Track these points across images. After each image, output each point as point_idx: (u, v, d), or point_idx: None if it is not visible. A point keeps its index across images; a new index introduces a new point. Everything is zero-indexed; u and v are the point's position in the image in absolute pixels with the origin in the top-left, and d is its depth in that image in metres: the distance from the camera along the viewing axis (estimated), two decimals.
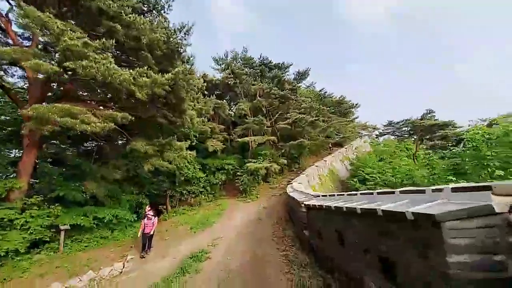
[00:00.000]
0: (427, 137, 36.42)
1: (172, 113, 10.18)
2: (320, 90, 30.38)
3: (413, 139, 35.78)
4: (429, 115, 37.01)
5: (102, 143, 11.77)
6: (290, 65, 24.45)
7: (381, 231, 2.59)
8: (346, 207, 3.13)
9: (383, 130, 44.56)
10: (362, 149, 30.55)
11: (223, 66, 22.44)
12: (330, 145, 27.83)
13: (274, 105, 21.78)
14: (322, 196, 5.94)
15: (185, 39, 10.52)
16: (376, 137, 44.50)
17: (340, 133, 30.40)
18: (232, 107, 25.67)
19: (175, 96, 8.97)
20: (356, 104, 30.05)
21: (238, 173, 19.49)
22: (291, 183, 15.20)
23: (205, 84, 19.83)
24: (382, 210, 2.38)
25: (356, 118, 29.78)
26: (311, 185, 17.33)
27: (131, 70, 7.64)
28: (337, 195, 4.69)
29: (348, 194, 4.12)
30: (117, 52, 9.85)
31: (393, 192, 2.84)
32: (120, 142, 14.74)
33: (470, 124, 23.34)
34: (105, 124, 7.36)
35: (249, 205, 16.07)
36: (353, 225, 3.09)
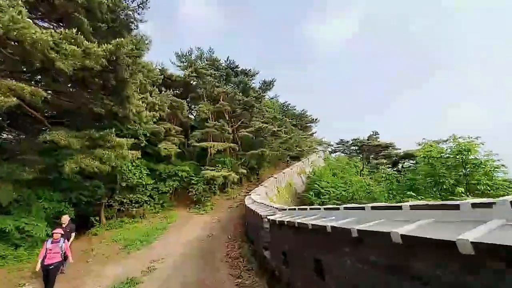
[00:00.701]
0: (372, 156, 40.43)
1: (112, 100, 8.19)
2: (284, 103, 30.98)
3: (360, 157, 39.18)
4: (374, 136, 41.39)
5: (8, 133, 8.90)
6: (257, 73, 24.31)
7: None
8: (337, 227, 2.21)
9: (335, 147, 47.92)
10: (316, 164, 32.06)
11: (185, 63, 20.82)
12: (288, 158, 28.18)
13: (237, 112, 20.90)
14: (289, 209, 5.03)
15: (138, 12, 8.85)
16: (329, 154, 47.54)
17: (298, 147, 31.25)
18: (192, 110, 23.87)
19: (116, 77, 7.15)
20: (316, 119, 31.57)
21: (192, 181, 17.67)
22: (250, 195, 14.24)
23: (163, 78, 17.94)
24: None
25: (314, 133, 31.10)
26: (269, 197, 16.70)
27: (52, 31, 5.72)
28: (310, 208, 3.82)
29: (325, 209, 3.25)
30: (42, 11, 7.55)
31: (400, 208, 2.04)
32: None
33: (420, 142, 26.39)
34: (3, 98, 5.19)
35: (202, 217, 14.41)
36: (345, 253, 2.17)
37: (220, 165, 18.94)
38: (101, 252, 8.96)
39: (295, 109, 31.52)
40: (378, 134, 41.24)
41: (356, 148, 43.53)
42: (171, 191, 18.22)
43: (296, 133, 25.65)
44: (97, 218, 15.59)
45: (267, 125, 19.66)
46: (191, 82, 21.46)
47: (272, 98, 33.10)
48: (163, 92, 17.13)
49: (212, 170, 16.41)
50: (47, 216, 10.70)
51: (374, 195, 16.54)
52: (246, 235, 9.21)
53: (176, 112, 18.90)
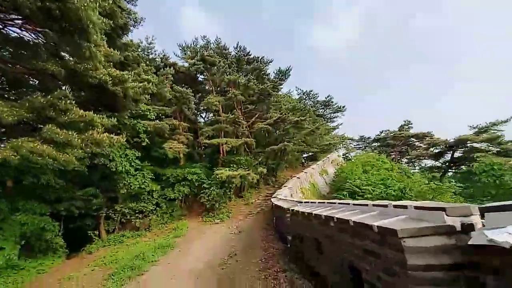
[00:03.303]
0: (403, 149, 36.08)
1: (68, 47, 5.93)
2: (305, 91, 28.06)
3: (384, 152, 34.90)
4: (406, 126, 37.05)
5: None
6: (270, 61, 21.83)
7: None
8: None
9: (355, 145, 43.88)
10: (337, 163, 29.07)
11: (190, 53, 18.88)
12: (304, 160, 25.55)
13: (252, 102, 18.44)
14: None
15: None
16: (348, 152, 43.61)
17: (321, 143, 28.25)
18: (200, 108, 21.78)
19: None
20: (343, 107, 28.22)
21: (204, 185, 15.30)
22: (275, 197, 11.67)
23: (164, 66, 15.86)
24: None
25: (340, 124, 27.83)
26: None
27: None
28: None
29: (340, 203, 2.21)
30: None
31: None
32: None
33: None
34: None
35: (217, 228, 11.93)
36: None
37: (235, 165, 16.49)
38: (80, 283, 6.62)
39: (318, 96, 28.52)
40: (411, 124, 36.83)
41: (379, 144, 39.27)
42: (181, 198, 16.01)
43: (322, 123, 22.77)
44: (97, 232, 13.65)
45: (289, 113, 17.03)
46: (198, 75, 19.38)
47: (286, 93, 30.58)
48: (166, 84, 15.11)
49: (227, 170, 13.95)
50: (23, 234, 8.61)
51: (433, 194, 13.32)
52: (283, 253, 6.55)
53: (182, 107, 16.79)
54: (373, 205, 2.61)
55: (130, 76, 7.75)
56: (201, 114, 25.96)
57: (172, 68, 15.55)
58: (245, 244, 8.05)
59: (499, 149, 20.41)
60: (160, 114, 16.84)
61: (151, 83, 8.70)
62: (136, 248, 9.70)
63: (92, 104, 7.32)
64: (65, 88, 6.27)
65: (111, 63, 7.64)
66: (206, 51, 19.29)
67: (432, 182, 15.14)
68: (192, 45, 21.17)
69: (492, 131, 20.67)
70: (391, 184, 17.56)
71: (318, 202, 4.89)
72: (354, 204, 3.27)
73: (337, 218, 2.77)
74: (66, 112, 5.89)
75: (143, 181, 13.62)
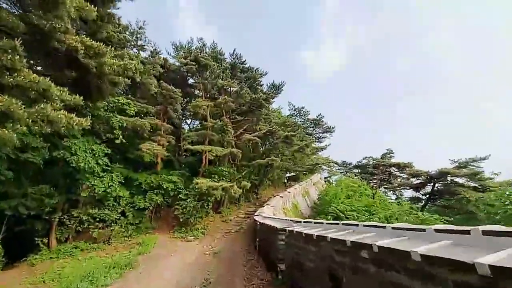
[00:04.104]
0: (383, 177, 36.76)
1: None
2: (296, 107, 27.86)
3: (362, 179, 35.28)
4: (388, 155, 38.09)
5: None
6: (265, 73, 21.49)
7: None
8: None
9: (336, 169, 44.20)
10: (319, 186, 28.94)
11: (184, 54, 18.01)
12: (287, 179, 25.12)
13: (242, 113, 17.66)
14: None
15: None
16: (330, 175, 43.81)
17: (303, 164, 27.89)
18: (186, 112, 20.61)
19: None
20: (332, 128, 28.19)
21: (180, 196, 13.86)
22: (257, 215, 10.64)
23: (153, 61, 14.61)
24: None
25: (328, 145, 27.67)
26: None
27: None
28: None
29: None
30: None
31: None
32: None
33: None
34: None
35: (190, 246, 10.53)
36: None
37: (217, 177, 15.27)
38: None
39: (309, 114, 28.37)
40: (393, 153, 38.01)
41: (359, 171, 39.91)
42: (152, 208, 14.30)
43: (311, 141, 22.39)
44: (46, 240, 11.58)
45: (278, 128, 16.37)
46: (188, 76, 18.43)
47: (276, 109, 30.32)
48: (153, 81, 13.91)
49: (208, 180, 12.72)
50: None
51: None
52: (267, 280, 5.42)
53: (167, 108, 15.56)
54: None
55: (109, 51, 6.58)
56: (187, 121, 24.71)
57: (161, 62, 14.43)
58: (222, 270, 6.81)
59: (476, 185, 21.11)
60: (142, 114, 15.46)
61: (133, 65, 7.47)
62: (88, 265, 8.00)
63: (57, 81, 5.95)
64: (17, 41, 4.86)
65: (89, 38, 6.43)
66: (200, 53, 18.57)
67: (420, 213, 14.93)
68: (187, 46, 20.37)
69: (471, 167, 21.45)
70: (376, 212, 17.21)
71: (318, 223, 4.05)
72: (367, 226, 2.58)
73: (379, 246, 1.89)
74: (13, 72, 4.58)
75: (109, 184, 11.93)
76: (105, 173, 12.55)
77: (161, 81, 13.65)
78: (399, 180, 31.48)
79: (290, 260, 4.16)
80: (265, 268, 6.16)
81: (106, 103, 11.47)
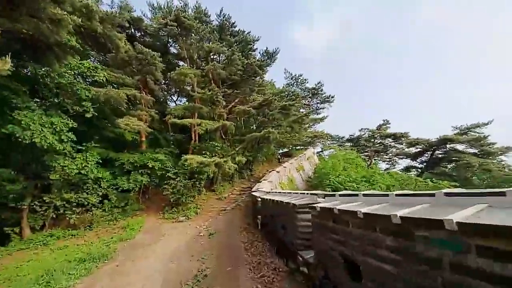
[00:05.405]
0: (380, 148, 36.38)
1: None
2: (294, 75, 25.92)
3: (355, 150, 34.87)
4: (384, 125, 37.35)
5: None
6: (258, 39, 19.17)
7: None
8: None
9: (329, 143, 43.51)
10: (312, 161, 28.48)
11: (163, 14, 15.50)
12: (280, 155, 24.19)
13: (234, 83, 15.84)
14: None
15: None
16: (323, 150, 43.23)
17: (301, 136, 26.75)
18: (170, 84, 18.50)
19: None
20: (332, 97, 26.59)
21: (169, 175, 12.53)
22: (258, 189, 9.54)
23: (128, 23, 12.23)
24: None
25: (326, 117, 26.29)
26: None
27: None
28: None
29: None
30: None
31: None
32: None
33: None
34: None
35: (181, 228, 9.42)
36: None
37: (208, 153, 13.89)
38: None
39: (307, 82, 26.55)
40: (389, 124, 37.17)
41: (351, 144, 39.38)
42: (138, 190, 13.00)
43: (310, 110, 21.03)
44: (18, 229, 10.27)
45: (275, 97, 14.79)
46: (170, 42, 16.16)
47: (269, 81, 28.29)
48: (128, 47, 11.74)
49: (198, 156, 11.34)
50: None
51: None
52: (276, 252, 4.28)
53: (147, 78, 13.55)
54: None
55: None
56: (172, 97, 22.57)
57: (129, 18, 12.11)
58: (220, 255, 5.67)
59: (476, 151, 20.66)
60: (117, 85, 13.46)
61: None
62: (58, 257, 6.73)
63: None
64: None
65: None
66: (183, 14, 16.09)
67: (428, 180, 14.31)
68: (166, 7, 17.62)
69: (472, 133, 20.83)
70: (375, 181, 16.58)
71: (353, 195, 2.81)
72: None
73: None
74: None
75: (84, 165, 10.38)
76: (79, 154, 10.98)
77: (136, 43, 11.54)
78: (398, 149, 30.94)
79: (322, 251, 2.92)
80: (274, 253, 5.04)
81: (67, 67, 9.48)
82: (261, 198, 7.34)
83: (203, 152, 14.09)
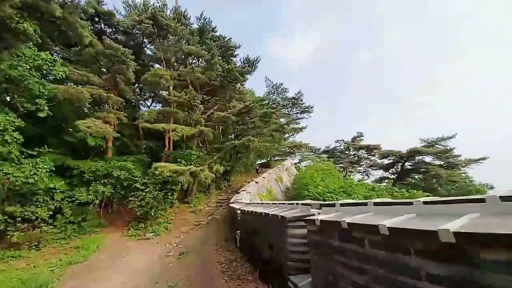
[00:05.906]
0: (354, 160, 37.73)
1: None
2: (274, 83, 25.90)
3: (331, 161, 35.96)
4: (358, 138, 38.99)
5: None
6: (239, 46, 18.90)
7: None
8: None
9: (306, 155, 44.40)
10: (291, 172, 28.70)
11: (138, 12, 14.51)
12: (258, 166, 24.06)
13: (213, 90, 15.18)
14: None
15: None
16: (300, 161, 43.87)
17: (276, 149, 26.79)
18: (143, 88, 17.29)
19: None
20: (311, 107, 26.90)
21: (137, 185, 11.27)
22: (237, 200, 8.81)
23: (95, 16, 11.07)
24: None
25: (305, 127, 26.52)
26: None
27: None
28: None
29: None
30: None
31: None
32: None
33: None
34: None
35: (149, 246, 8.30)
36: None
37: (183, 162, 12.88)
38: None
39: (287, 91, 26.66)
40: (363, 136, 38.94)
41: (327, 156, 40.69)
42: (100, 202, 11.53)
43: (290, 120, 20.93)
44: None
45: (256, 104, 14.35)
46: (144, 42, 15.16)
47: (249, 90, 28.13)
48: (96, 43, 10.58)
49: (172, 165, 10.34)
50: None
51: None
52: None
53: (116, 78, 12.35)
54: None
55: None
56: (146, 102, 21.18)
57: (106, 19, 11.07)
58: (191, 281, 4.79)
59: (442, 163, 22.07)
60: (81, 83, 12.07)
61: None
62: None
63: None
64: None
65: None
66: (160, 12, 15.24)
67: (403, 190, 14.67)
68: (142, 5, 16.60)
69: (438, 146, 22.30)
70: (353, 192, 16.82)
71: (361, 204, 2.29)
72: None
73: None
74: None
75: (32, 172, 8.85)
76: (29, 160, 9.40)
77: (104, 37, 10.44)
78: (368, 161, 32.28)
79: (324, 278, 2.30)
80: (257, 277, 4.33)
81: (21, 60, 8.14)
82: (241, 210, 6.63)
83: (178, 160, 13.04)
